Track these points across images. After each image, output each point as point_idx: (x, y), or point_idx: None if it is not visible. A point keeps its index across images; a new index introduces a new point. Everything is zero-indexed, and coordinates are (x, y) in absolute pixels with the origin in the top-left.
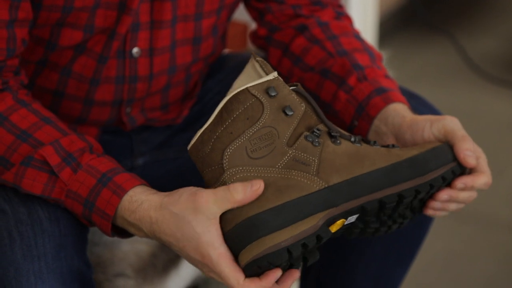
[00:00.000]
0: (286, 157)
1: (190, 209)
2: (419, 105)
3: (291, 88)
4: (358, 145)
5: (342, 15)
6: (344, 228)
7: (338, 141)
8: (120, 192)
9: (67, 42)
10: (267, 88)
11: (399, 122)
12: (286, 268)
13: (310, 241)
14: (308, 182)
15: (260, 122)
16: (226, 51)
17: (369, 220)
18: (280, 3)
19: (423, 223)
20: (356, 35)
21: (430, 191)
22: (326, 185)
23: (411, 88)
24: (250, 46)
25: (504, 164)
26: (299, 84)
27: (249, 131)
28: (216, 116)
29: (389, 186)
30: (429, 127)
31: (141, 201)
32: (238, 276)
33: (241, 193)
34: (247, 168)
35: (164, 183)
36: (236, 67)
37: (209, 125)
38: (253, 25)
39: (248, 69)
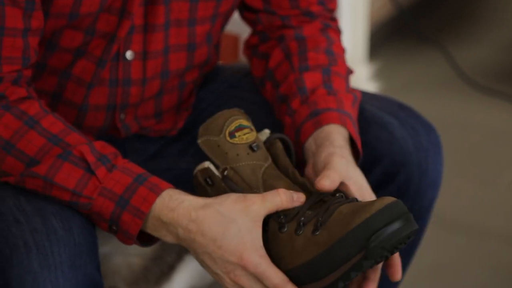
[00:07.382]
0: None
1: (237, 210)
2: (409, 117)
3: (222, 174)
4: (299, 232)
5: (329, 27)
6: None
7: (284, 229)
8: (157, 190)
9: (67, 43)
10: (206, 177)
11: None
12: None
13: None
14: None
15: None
16: (219, 62)
17: None
18: (271, 13)
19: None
20: (327, 50)
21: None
22: None
23: (402, 99)
24: (242, 58)
25: (494, 173)
26: (228, 171)
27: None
28: None
29: (311, 282)
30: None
31: (182, 200)
32: (281, 275)
33: (290, 203)
34: None
35: None
36: (230, 77)
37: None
38: (244, 35)
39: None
